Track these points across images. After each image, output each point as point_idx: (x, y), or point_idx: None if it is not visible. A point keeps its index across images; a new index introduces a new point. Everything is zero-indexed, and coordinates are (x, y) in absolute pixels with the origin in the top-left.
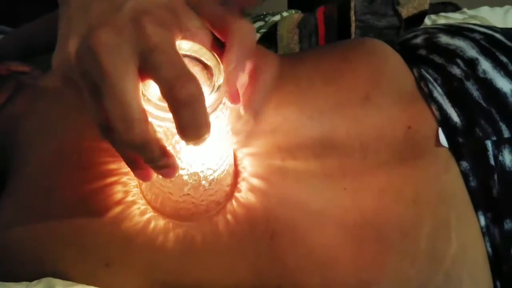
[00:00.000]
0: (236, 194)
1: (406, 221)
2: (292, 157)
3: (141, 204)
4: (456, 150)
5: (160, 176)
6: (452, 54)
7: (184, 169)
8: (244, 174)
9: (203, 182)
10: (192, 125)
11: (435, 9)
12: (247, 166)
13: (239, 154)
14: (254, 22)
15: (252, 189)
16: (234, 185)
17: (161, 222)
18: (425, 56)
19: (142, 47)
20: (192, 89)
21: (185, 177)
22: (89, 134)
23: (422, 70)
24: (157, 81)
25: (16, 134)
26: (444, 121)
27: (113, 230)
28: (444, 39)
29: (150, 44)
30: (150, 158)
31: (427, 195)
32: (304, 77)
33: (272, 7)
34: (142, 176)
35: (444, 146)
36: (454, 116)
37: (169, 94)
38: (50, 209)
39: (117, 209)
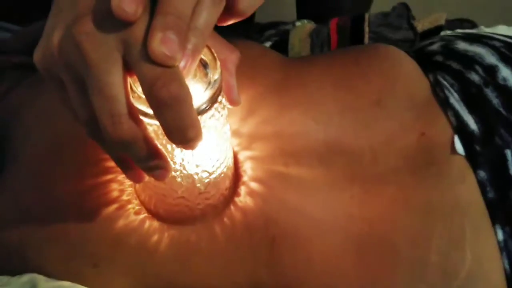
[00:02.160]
0: (235, 199)
1: (416, 232)
2: (295, 162)
3: (135, 204)
4: (472, 158)
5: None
6: (470, 61)
7: (177, 171)
8: (245, 178)
9: (198, 185)
10: (176, 127)
11: (451, 25)
12: (248, 170)
13: (241, 157)
14: (265, 30)
15: (252, 193)
16: (234, 189)
17: (155, 223)
18: (442, 62)
19: (126, 38)
20: (174, 90)
21: (179, 179)
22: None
23: (438, 76)
24: (138, 76)
25: (13, 126)
26: (460, 128)
27: (104, 229)
28: (462, 45)
29: (133, 35)
30: (140, 158)
31: (440, 205)
32: (312, 79)
33: (282, 18)
34: (133, 177)
35: (460, 154)
36: (472, 124)
37: (149, 93)
38: (40, 205)
39: (110, 207)
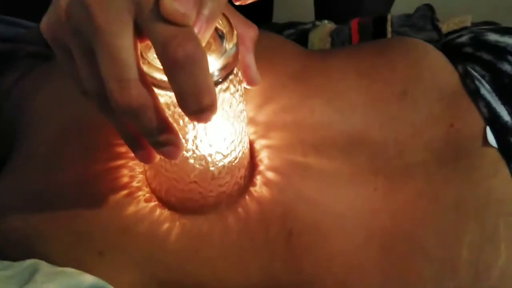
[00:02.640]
0: (251, 188)
1: (445, 228)
2: (315, 152)
3: (146, 192)
4: (506, 151)
5: (165, 160)
6: (502, 51)
7: (190, 151)
8: (261, 167)
9: (212, 168)
10: (191, 92)
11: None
12: (264, 159)
13: (257, 146)
14: (284, 30)
15: (269, 183)
16: (249, 178)
17: (165, 212)
18: (471, 53)
19: None
20: (190, 49)
21: (191, 161)
22: (97, 115)
23: (468, 67)
24: (151, 38)
25: (24, 111)
26: (492, 120)
27: (112, 216)
28: (493, 37)
29: None
30: (150, 131)
31: (471, 200)
32: (335, 69)
33: (300, 19)
34: (143, 157)
35: (492, 146)
36: (505, 115)
37: (163, 53)
38: (47, 190)
39: (119, 194)
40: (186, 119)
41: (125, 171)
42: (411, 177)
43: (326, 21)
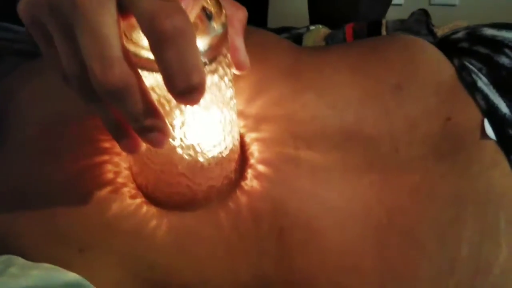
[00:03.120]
0: (241, 183)
1: (443, 223)
2: (307, 146)
3: (131, 188)
4: (505, 143)
5: (151, 151)
6: (499, 45)
7: (177, 139)
8: (252, 160)
9: (200, 158)
10: (179, 69)
11: None
12: (255, 152)
13: (247, 139)
14: (278, 34)
15: (260, 177)
16: (240, 172)
17: (152, 208)
18: (468, 48)
19: None
20: (179, 22)
21: (179, 150)
22: (81, 110)
23: (464, 61)
24: (137, 12)
25: (7, 108)
26: (490, 112)
27: (95, 212)
28: (489, 31)
29: None
30: (135, 114)
31: (470, 194)
32: (328, 65)
33: (295, 24)
34: (128, 146)
35: (491, 139)
36: (503, 107)
37: (150, 26)
38: (28, 185)
39: (103, 190)
40: (173, 103)
41: (109, 167)
42: (408, 172)
43: (320, 26)
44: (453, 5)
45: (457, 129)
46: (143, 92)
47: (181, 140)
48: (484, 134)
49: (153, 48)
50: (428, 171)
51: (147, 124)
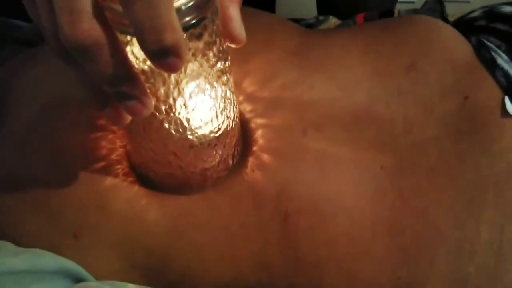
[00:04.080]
0: (242, 169)
1: (461, 205)
2: (315, 129)
3: (125, 166)
4: None
5: (139, 125)
6: None
7: (162, 112)
8: (255, 147)
9: (190, 135)
10: (150, 25)
11: None
12: (259, 138)
13: (252, 124)
14: None
15: (263, 164)
16: (241, 158)
17: (145, 189)
18: (485, 25)
19: None
20: None
21: (166, 124)
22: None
23: (482, 38)
24: None
25: (5, 94)
26: (511, 89)
27: (88, 192)
28: (508, 8)
29: None
30: (107, 76)
31: (489, 175)
32: (337, 46)
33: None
34: (112, 116)
35: None
36: None
37: None
38: (22, 168)
39: (96, 167)
40: (155, 70)
41: (103, 143)
42: (422, 153)
43: (330, 16)
44: (467, 1)
45: (475, 108)
46: (118, 53)
47: (166, 112)
48: (505, 112)
49: (122, 2)
50: (444, 151)
51: (123, 90)
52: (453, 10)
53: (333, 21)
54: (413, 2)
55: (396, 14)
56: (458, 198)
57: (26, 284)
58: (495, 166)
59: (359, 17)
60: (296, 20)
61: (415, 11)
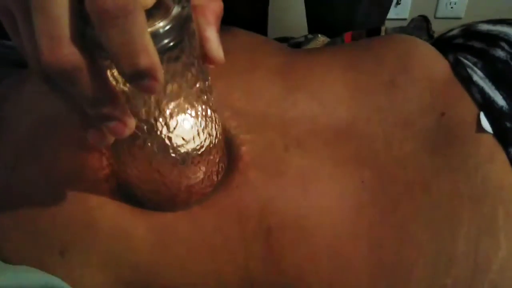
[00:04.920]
0: (226, 185)
1: (438, 220)
2: (298, 146)
3: (112, 184)
4: (502, 136)
5: (125, 144)
6: (494, 38)
7: (144, 131)
8: (239, 162)
9: (172, 154)
10: (124, 50)
11: None
12: (243, 154)
13: (236, 140)
14: None
15: (246, 179)
16: (225, 174)
17: (131, 207)
18: (462, 43)
19: None
20: (121, 0)
21: (148, 143)
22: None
23: (459, 56)
24: None
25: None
26: (486, 105)
27: (75, 209)
28: (485, 26)
29: None
30: (88, 99)
31: (466, 189)
32: (320, 63)
33: (293, 34)
34: (95, 138)
35: (487, 132)
36: (499, 100)
37: (91, 6)
38: (10, 187)
39: (83, 185)
40: (135, 91)
41: (91, 162)
42: (401, 168)
43: (319, 35)
44: (459, 18)
45: (452, 123)
46: (97, 76)
47: (148, 131)
48: (480, 128)
49: (97, 29)
50: (422, 166)
51: (104, 112)
52: (445, 28)
53: (321, 39)
54: (405, 19)
55: (383, 32)
56: (435, 212)
57: None
58: (470, 181)
59: (347, 35)
60: (286, 39)
61: (401, 29)
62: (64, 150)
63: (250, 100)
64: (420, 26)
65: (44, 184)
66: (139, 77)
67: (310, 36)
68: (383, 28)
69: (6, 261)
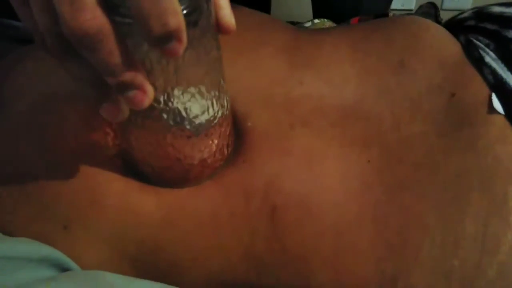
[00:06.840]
0: (233, 160)
1: (446, 200)
2: (302, 124)
3: (120, 162)
4: None
5: (137, 116)
6: (507, 20)
7: (160, 102)
8: (246, 138)
9: (187, 126)
10: (154, 12)
11: None
12: (250, 130)
13: (242, 117)
14: None
15: (252, 155)
16: (233, 149)
17: (139, 183)
18: (474, 25)
19: None
20: None
21: (164, 115)
22: (73, 89)
23: (471, 37)
24: None
25: (1, 89)
26: (498, 86)
27: (80, 186)
28: (497, 9)
29: None
30: (110, 66)
31: (475, 170)
32: (327, 43)
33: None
34: (108, 111)
35: (499, 113)
36: None
37: None
38: (14, 160)
39: (89, 162)
40: (154, 59)
41: (97, 139)
42: (409, 149)
43: (325, 20)
44: (463, 10)
45: (462, 104)
46: (119, 42)
47: (165, 102)
48: (491, 109)
49: None
50: (431, 147)
51: (125, 79)
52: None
53: (327, 24)
54: (411, 10)
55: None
56: (443, 193)
57: (9, 271)
58: (480, 161)
59: (354, 21)
60: (292, 23)
61: (409, 14)
62: (70, 126)
63: (256, 76)
64: (428, 12)
65: (49, 160)
66: (166, 39)
67: (316, 21)
68: (390, 14)
69: (9, 234)
